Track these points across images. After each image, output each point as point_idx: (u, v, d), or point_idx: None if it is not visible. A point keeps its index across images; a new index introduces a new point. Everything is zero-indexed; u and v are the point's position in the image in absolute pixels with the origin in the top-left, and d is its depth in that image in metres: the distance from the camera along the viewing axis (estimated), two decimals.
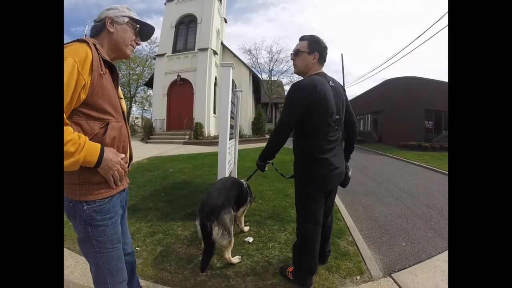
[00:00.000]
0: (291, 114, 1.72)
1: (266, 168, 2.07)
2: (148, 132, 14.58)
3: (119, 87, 1.27)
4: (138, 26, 1.23)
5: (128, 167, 1.23)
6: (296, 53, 1.85)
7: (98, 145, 1.02)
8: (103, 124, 1.07)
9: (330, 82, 1.78)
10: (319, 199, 1.84)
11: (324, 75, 1.81)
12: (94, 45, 1.05)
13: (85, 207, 1.05)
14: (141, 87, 28.39)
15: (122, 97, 1.30)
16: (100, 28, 1.16)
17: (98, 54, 1.05)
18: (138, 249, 2.38)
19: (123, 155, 1.14)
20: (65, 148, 0.88)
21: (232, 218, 2.19)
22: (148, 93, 28.40)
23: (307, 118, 1.70)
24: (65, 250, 2.35)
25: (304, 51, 1.81)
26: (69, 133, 0.91)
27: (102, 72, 1.04)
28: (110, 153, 1.05)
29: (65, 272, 2.01)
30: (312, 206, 1.84)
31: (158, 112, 15.72)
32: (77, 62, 0.94)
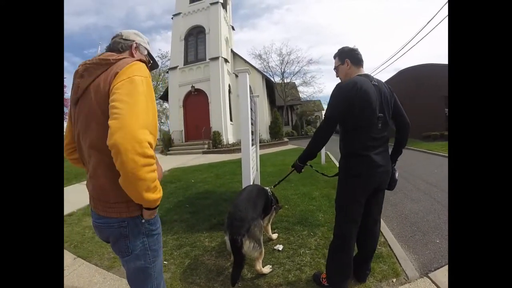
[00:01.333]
0: (333, 108, 1.76)
1: (303, 170, 2.03)
2: (167, 144, 14.90)
3: None
4: (151, 62, 1.32)
5: None
6: (336, 70, 2.00)
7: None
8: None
9: (373, 81, 1.80)
10: (360, 198, 1.81)
11: (366, 75, 1.85)
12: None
13: (143, 221, 1.08)
14: (157, 101, 29.21)
15: None
16: (125, 47, 1.20)
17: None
18: (166, 262, 2.37)
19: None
20: (156, 183, 0.96)
21: (262, 229, 2.17)
22: (164, 106, 29.19)
23: (349, 114, 1.72)
24: (92, 266, 2.43)
25: (338, 65, 1.96)
26: (155, 169, 0.96)
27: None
28: None
29: None
30: (353, 205, 1.81)
31: (176, 123, 16.06)
32: (148, 77, 1.04)
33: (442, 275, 2.10)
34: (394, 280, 2.06)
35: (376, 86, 1.78)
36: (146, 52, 1.27)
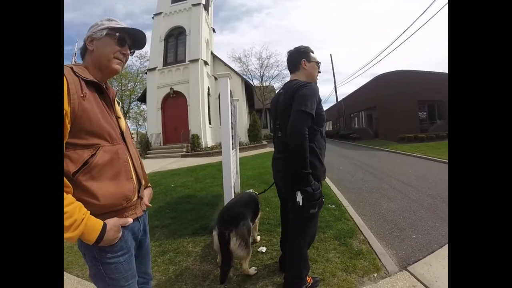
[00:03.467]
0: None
1: None
2: (145, 148, 14.49)
3: (116, 105, 1.16)
4: (117, 34, 1.08)
5: (138, 193, 1.12)
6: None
7: (100, 224, 0.92)
8: (93, 151, 0.95)
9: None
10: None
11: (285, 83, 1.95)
12: (72, 68, 0.97)
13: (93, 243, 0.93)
14: (134, 103, 28.40)
15: (121, 116, 1.18)
16: (83, 50, 1.08)
17: (77, 76, 0.95)
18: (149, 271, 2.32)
19: (129, 220, 1.05)
20: (64, 221, 0.80)
21: (251, 230, 2.22)
22: (141, 108, 28.46)
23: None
24: (74, 277, 2.31)
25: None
26: (67, 203, 0.82)
27: (82, 95, 0.94)
28: (112, 231, 0.96)
29: None
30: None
31: (154, 126, 15.66)
32: None
33: (420, 267, 2.22)
34: (375, 275, 2.14)
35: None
36: (104, 32, 1.06)
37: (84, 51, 1.08)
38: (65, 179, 0.84)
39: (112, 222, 0.96)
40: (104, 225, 0.93)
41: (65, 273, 2.40)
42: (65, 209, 0.81)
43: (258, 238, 2.85)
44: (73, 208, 0.84)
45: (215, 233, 2.05)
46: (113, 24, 1.08)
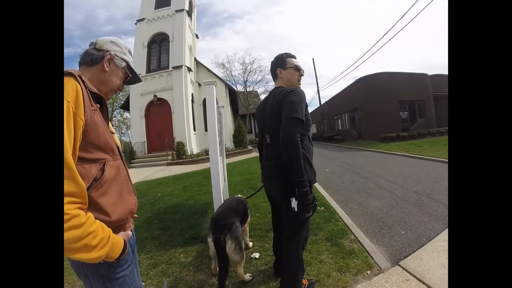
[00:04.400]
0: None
1: None
2: (129, 157, 14.10)
3: (109, 121, 1.14)
4: (130, 76, 1.13)
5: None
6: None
7: (121, 240, 0.91)
8: (100, 166, 0.93)
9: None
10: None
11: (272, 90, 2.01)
12: (80, 77, 0.92)
13: (101, 262, 0.89)
14: (117, 110, 27.73)
15: (114, 131, 1.17)
16: (96, 59, 1.03)
17: (86, 87, 0.92)
18: (143, 284, 2.25)
19: (130, 233, 1.03)
20: (85, 241, 0.75)
21: (242, 234, 2.23)
22: (124, 116, 27.81)
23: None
24: None
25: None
26: (91, 222, 0.78)
27: (93, 108, 0.92)
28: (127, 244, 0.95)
29: None
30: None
31: (137, 134, 15.32)
32: (70, 103, 0.81)
33: (411, 261, 2.29)
34: (369, 272, 2.18)
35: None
36: (124, 64, 1.09)
37: (95, 62, 1.03)
38: (83, 193, 0.79)
39: (122, 236, 0.95)
40: (125, 241, 0.92)
41: None
42: (90, 228, 0.77)
43: (250, 244, 2.83)
44: (97, 227, 0.81)
45: (210, 239, 2.06)
46: (130, 61, 1.12)
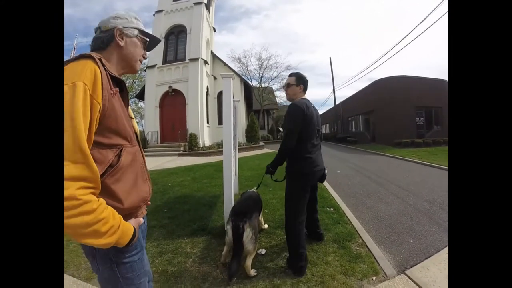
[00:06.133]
0: (295, 123, 2.22)
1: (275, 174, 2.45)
2: (142, 145, 14.31)
3: (129, 106, 1.12)
4: (147, 39, 1.10)
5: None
6: (288, 86, 2.44)
7: (131, 228, 0.90)
8: (117, 151, 0.92)
9: (312, 105, 2.37)
10: (306, 192, 2.31)
11: (307, 100, 2.38)
12: (100, 60, 0.91)
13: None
14: (132, 99, 28.18)
15: (133, 116, 1.15)
16: (107, 40, 1.00)
17: (106, 70, 0.91)
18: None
19: (141, 220, 1.03)
20: (95, 227, 0.75)
21: (258, 226, 2.44)
22: (139, 105, 28.19)
23: (302, 127, 2.22)
24: (69, 277, 2.27)
25: (293, 84, 2.40)
26: (102, 208, 0.78)
27: (112, 92, 0.90)
28: (137, 231, 0.96)
29: None
30: (302, 201, 2.30)
31: (151, 124, 15.57)
32: (88, 85, 0.79)
33: (417, 271, 2.25)
34: (374, 278, 2.16)
35: (314, 108, 2.37)
36: (136, 32, 1.05)
37: (107, 43, 1.01)
38: (96, 179, 0.79)
39: (133, 223, 0.95)
40: (134, 229, 0.92)
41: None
42: (101, 215, 0.77)
43: (266, 226, 3.19)
44: (108, 214, 0.81)
45: (228, 226, 2.19)
46: (141, 26, 1.08)
